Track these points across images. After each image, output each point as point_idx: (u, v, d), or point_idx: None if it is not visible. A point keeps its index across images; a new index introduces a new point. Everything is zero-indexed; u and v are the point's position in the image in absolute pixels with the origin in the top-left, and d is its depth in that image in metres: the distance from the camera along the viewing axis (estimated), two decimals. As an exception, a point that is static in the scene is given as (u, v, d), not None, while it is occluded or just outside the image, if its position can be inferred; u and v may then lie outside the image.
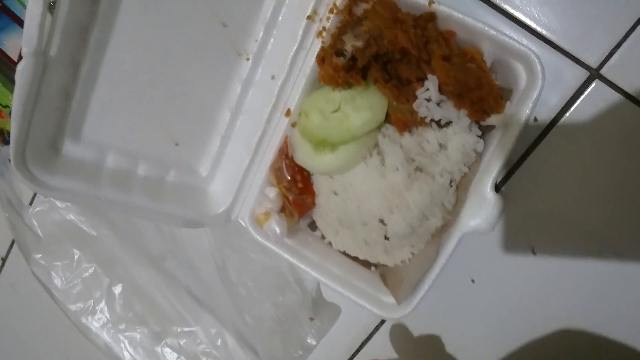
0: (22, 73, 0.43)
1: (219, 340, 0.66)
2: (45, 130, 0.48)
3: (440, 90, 0.47)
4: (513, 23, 0.52)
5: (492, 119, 0.47)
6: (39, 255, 0.68)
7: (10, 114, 0.56)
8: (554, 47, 0.51)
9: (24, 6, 0.72)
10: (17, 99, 0.44)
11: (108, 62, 0.49)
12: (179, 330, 0.67)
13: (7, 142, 0.76)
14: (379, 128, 0.50)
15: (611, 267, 0.53)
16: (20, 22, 0.73)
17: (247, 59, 0.54)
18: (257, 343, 0.64)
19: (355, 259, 0.57)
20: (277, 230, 0.54)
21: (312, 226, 0.59)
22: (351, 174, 0.51)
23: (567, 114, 0.52)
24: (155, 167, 0.55)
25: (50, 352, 0.80)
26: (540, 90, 0.46)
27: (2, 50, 0.76)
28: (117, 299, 0.68)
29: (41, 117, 0.47)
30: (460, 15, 0.47)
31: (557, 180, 0.53)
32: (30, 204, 0.71)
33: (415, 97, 0.47)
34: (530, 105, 0.46)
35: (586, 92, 0.51)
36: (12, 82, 0.44)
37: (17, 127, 0.45)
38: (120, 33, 0.49)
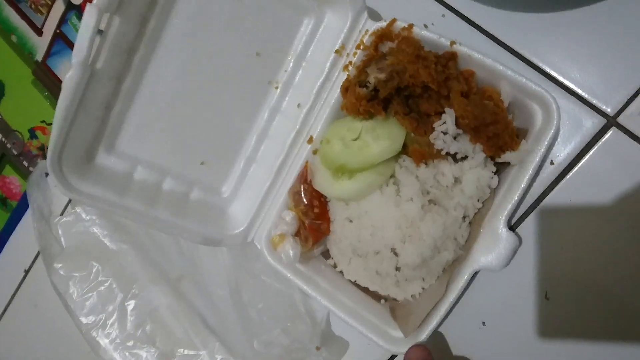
0: (69, 81, 0.47)
1: (224, 367, 0.65)
2: (83, 138, 0.52)
3: (457, 124, 0.48)
4: (532, 69, 0.54)
5: (507, 156, 0.49)
6: (60, 265, 0.70)
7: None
8: (571, 94, 0.53)
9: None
10: (61, 104, 0.47)
11: (148, 80, 0.53)
12: (185, 353, 0.67)
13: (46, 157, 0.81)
14: (396, 159, 0.52)
15: (623, 326, 0.51)
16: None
17: (276, 88, 0.57)
18: (262, 371, 0.64)
19: (365, 290, 0.57)
20: (291, 253, 0.55)
21: (326, 255, 0.60)
22: (367, 201, 0.52)
23: (584, 160, 0.52)
24: (180, 184, 0.58)
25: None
26: (556, 129, 0.47)
27: (54, 73, 0.82)
28: (129, 316, 0.69)
29: (81, 124, 0.50)
30: (480, 56, 0.49)
31: (573, 226, 0.53)
32: (61, 214, 0.74)
33: (433, 130, 0.49)
34: (546, 144, 0.47)
35: (603, 140, 0.52)
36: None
37: (57, 130, 0.48)
38: (163, 54, 0.53)
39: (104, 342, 0.70)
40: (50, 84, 0.82)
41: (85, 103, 0.49)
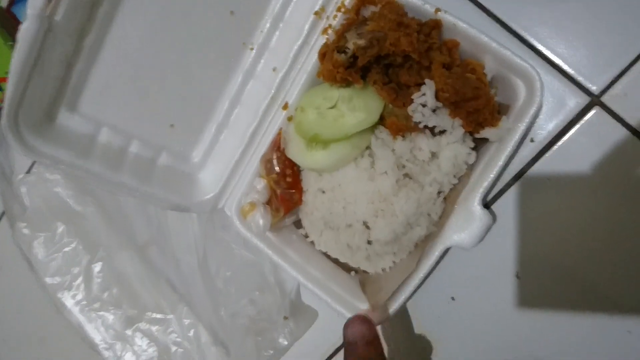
0: (24, 33, 0.43)
1: (192, 332, 0.64)
2: (41, 96, 0.49)
3: (437, 97, 0.46)
4: (519, 42, 0.52)
5: (486, 132, 0.47)
6: (23, 225, 0.68)
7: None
8: (557, 70, 0.51)
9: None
10: (16, 59, 0.44)
11: (113, 37, 0.50)
12: (152, 316, 0.66)
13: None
14: (372, 130, 0.50)
15: (593, 303, 0.51)
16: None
17: (251, 49, 0.54)
18: (229, 339, 0.63)
19: (336, 261, 0.56)
20: (261, 222, 0.53)
21: (298, 225, 0.59)
22: (340, 174, 0.51)
23: (565, 138, 0.51)
24: (147, 148, 0.55)
25: (26, 327, 0.80)
26: (538, 107, 0.45)
27: (20, 21, 0.77)
28: (95, 278, 0.67)
29: (39, 81, 0.47)
30: (465, 26, 0.47)
31: (549, 205, 0.52)
32: (28, 172, 0.72)
33: (411, 102, 0.47)
34: (527, 121, 0.45)
35: (585, 118, 0.50)
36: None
37: (13, 86, 0.45)
38: (129, 10, 0.49)
39: (69, 303, 0.69)
40: (14, 32, 0.77)
41: (43, 59, 0.46)
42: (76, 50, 0.49)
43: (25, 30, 0.43)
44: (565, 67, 0.51)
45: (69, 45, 0.48)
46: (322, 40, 0.51)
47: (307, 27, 0.51)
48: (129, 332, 0.66)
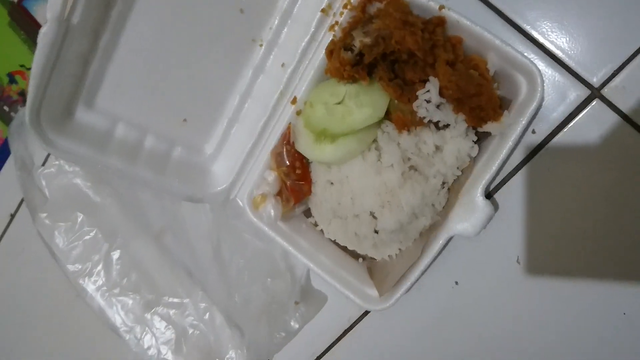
0: (44, 36, 0.45)
1: (207, 315, 0.68)
2: (60, 94, 0.51)
3: (441, 94, 0.48)
4: (522, 36, 0.53)
5: (489, 127, 0.49)
6: (44, 215, 0.71)
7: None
8: (559, 63, 0.52)
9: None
10: (36, 61, 0.46)
11: (127, 36, 0.52)
12: (169, 301, 0.69)
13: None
14: (379, 125, 0.51)
15: (590, 286, 0.54)
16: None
17: (260, 46, 0.56)
18: (243, 322, 0.66)
19: (344, 248, 0.59)
20: (272, 213, 0.56)
21: (307, 214, 0.61)
22: (348, 167, 0.53)
23: (565, 130, 0.53)
24: (162, 142, 0.58)
25: (47, 311, 0.83)
26: (539, 102, 0.47)
27: (32, 16, 0.79)
28: (114, 265, 0.71)
29: (58, 80, 0.49)
30: (468, 23, 0.48)
31: (549, 195, 0.54)
32: (43, 165, 0.74)
33: (416, 98, 0.49)
34: (527, 116, 0.47)
35: (585, 110, 0.52)
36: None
37: (34, 86, 0.47)
38: (142, 8, 0.51)
39: (90, 288, 0.72)
40: (26, 26, 0.79)
41: (62, 59, 0.48)
42: (92, 49, 0.51)
43: (45, 34, 0.45)
44: (566, 60, 0.52)
45: (86, 44, 0.50)
46: (330, 36, 0.52)
47: (314, 23, 0.53)
48: (147, 315, 0.70)
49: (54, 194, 0.71)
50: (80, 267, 0.71)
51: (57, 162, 0.71)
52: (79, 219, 0.71)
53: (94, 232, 0.71)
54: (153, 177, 0.56)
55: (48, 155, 0.75)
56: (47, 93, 0.49)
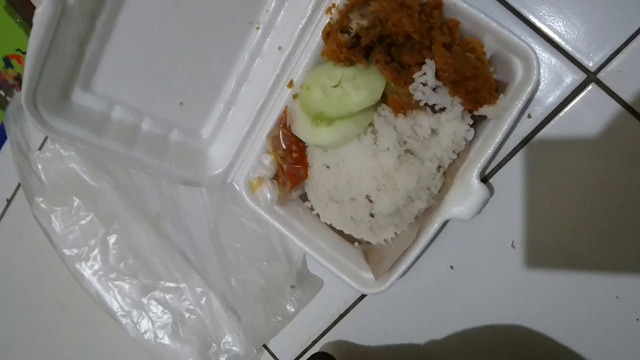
0: (40, 16, 0.45)
1: (204, 299, 0.68)
2: (57, 76, 0.50)
3: (437, 77, 0.48)
4: (519, 19, 0.53)
5: (485, 110, 0.49)
6: (41, 199, 0.71)
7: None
8: (555, 47, 0.52)
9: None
10: (32, 41, 0.46)
11: (124, 18, 0.51)
12: (166, 285, 0.69)
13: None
14: (375, 108, 0.51)
15: (584, 270, 0.54)
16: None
17: (257, 28, 0.56)
18: (239, 306, 0.67)
19: (340, 232, 0.59)
20: (268, 196, 0.56)
21: (304, 198, 0.61)
22: (344, 150, 0.53)
23: (561, 114, 0.53)
24: (159, 125, 0.57)
25: (44, 295, 0.84)
26: (535, 85, 0.47)
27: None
28: (111, 249, 0.71)
29: (54, 62, 0.48)
30: (465, 5, 0.48)
31: (544, 179, 0.55)
32: (39, 149, 0.74)
33: (412, 81, 0.49)
34: (523, 99, 0.47)
35: (581, 95, 0.52)
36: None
37: (30, 67, 0.47)
38: (138, -9, 0.50)
39: (87, 273, 0.72)
40: (22, 9, 0.78)
41: (58, 40, 0.47)
42: (89, 31, 0.51)
43: (41, 14, 0.45)
44: (563, 44, 0.52)
45: (82, 26, 0.50)
46: (326, 19, 0.52)
47: (311, 6, 0.53)
48: (144, 300, 0.70)
49: (50, 179, 0.71)
50: (76, 251, 0.71)
51: (53, 147, 0.71)
52: (75, 204, 0.71)
53: (91, 216, 0.71)
54: (150, 160, 0.56)
55: (44, 139, 0.75)
56: (44, 74, 0.48)
